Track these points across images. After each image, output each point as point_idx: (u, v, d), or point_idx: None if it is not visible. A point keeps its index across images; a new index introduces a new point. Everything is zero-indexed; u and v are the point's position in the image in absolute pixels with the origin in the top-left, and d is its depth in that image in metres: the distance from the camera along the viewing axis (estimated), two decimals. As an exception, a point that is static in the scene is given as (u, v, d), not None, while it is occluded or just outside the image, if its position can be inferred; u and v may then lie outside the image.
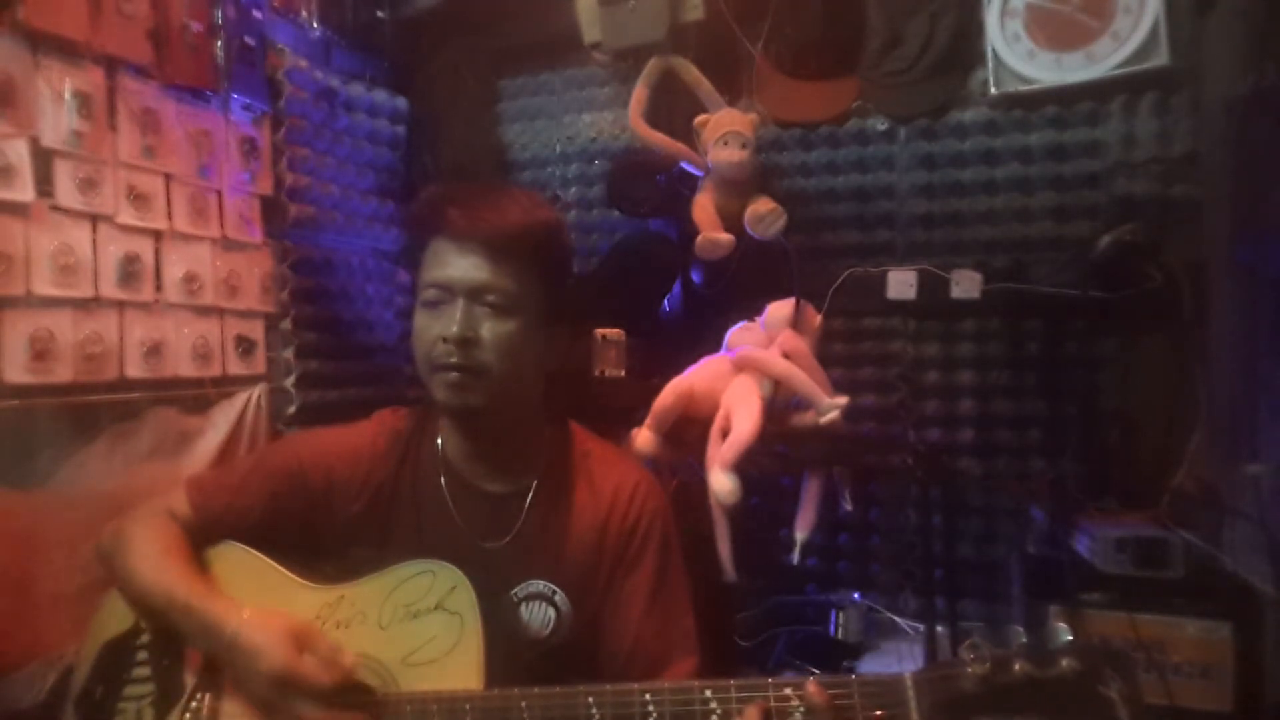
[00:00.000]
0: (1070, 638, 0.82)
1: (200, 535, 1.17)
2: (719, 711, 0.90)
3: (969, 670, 0.81)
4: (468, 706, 0.96)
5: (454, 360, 1.07)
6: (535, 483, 1.18)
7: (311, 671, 0.96)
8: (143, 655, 1.12)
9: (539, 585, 1.14)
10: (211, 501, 1.19)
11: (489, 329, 1.08)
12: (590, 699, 0.93)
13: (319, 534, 1.18)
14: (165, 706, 1.08)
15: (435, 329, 1.08)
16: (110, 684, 1.12)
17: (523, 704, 0.95)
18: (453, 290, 1.08)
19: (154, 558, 1.11)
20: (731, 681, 0.90)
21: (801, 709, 0.87)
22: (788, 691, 0.87)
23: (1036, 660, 0.80)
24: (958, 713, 0.82)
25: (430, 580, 1.05)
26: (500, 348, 1.08)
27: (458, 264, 1.08)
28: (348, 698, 0.97)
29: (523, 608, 1.13)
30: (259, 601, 1.10)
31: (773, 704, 0.88)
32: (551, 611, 1.13)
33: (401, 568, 1.08)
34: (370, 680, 1.02)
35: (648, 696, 0.92)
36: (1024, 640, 0.81)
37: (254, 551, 1.16)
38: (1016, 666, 0.80)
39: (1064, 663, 0.79)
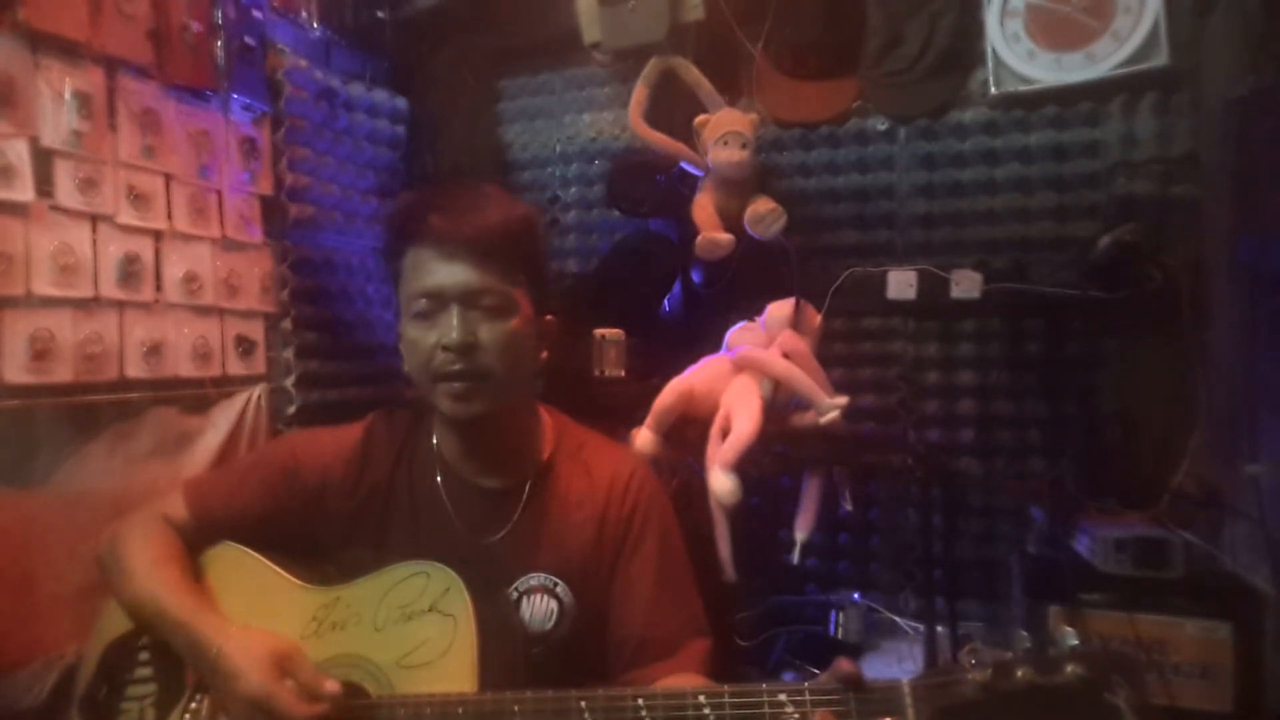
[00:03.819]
0: (1075, 642, 0.79)
1: (198, 537, 1.18)
2: (712, 718, 0.89)
3: (969, 676, 0.79)
4: (461, 710, 0.96)
5: (457, 368, 1.06)
6: (531, 477, 1.19)
7: (289, 701, 0.95)
8: (145, 655, 1.13)
9: (540, 578, 1.14)
10: (208, 503, 1.19)
11: (487, 331, 1.07)
12: (583, 703, 0.93)
13: (315, 534, 1.18)
14: (167, 706, 1.09)
15: (431, 339, 1.07)
16: (114, 684, 1.12)
17: (515, 707, 0.94)
18: (444, 297, 1.07)
19: (146, 568, 1.11)
20: (725, 687, 0.90)
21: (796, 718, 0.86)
22: (782, 698, 0.87)
23: (1040, 666, 0.78)
24: None
25: (424, 582, 1.05)
26: (501, 349, 1.08)
27: (445, 270, 1.07)
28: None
29: (524, 602, 1.13)
30: (256, 602, 1.11)
31: (767, 711, 0.87)
32: (554, 604, 1.13)
33: (396, 569, 1.07)
34: (365, 683, 1.02)
35: (640, 701, 0.91)
36: (1027, 645, 0.78)
37: (251, 552, 1.16)
38: (1019, 673, 0.78)
39: (1069, 669, 0.77)
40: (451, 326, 1.06)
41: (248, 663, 0.98)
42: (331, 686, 0.97)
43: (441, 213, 1.08)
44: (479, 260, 1.07)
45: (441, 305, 1.07)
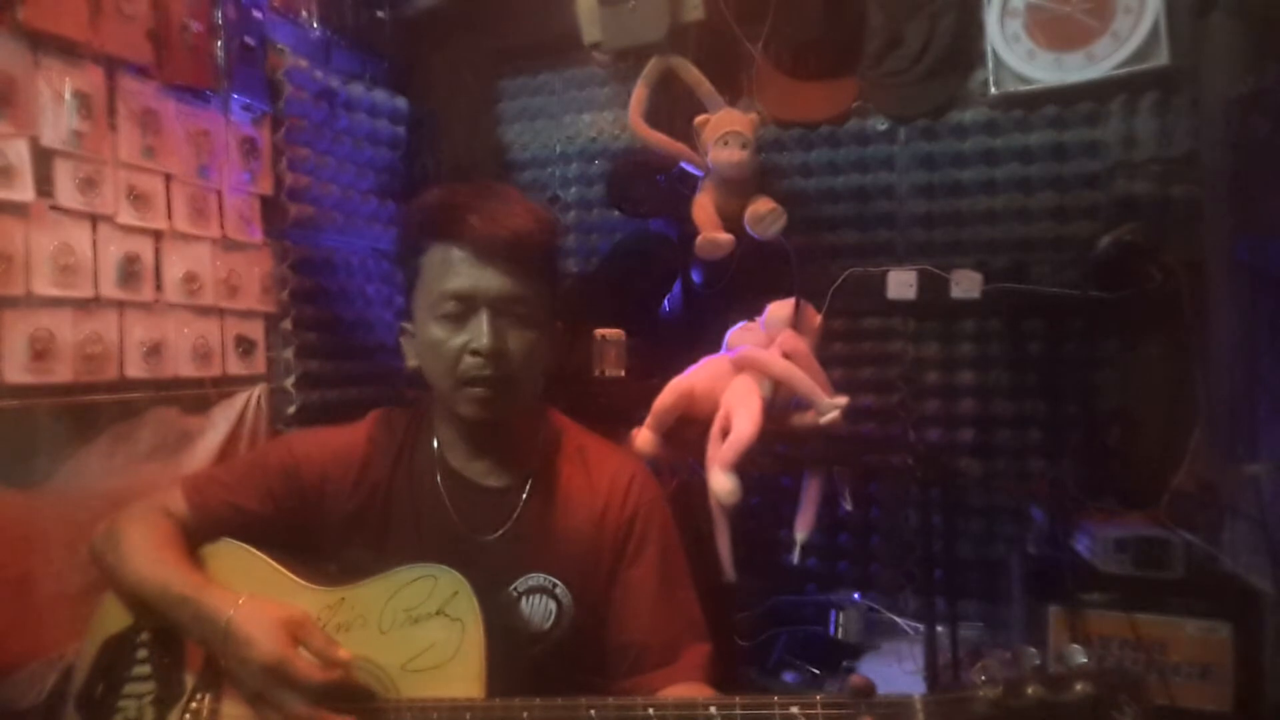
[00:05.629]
0: (1084, 660, 0.81)
1: (196, 534, 1.17)
2: None
3: (981, 693, 0.81)
4: (468, 715, 0.96)
5: (486, 373, 1.06)
6: (531, 477, 1.19)
7: (303, 667, 0.96)
8: (143, 653, 1.12)
9: (539, 579, 1.14)
10: (208, 499, 1.19)
11: (515, 339, 1.08)
12: (592, 711, 0.93)
13: (314, 533, 1.18)
14: (165, 705, 1.08)
15: (458, 342, 1.07)
16: (110, 682, 1.12)
17: (524, 713, 0.94)
18: (475, 301, 1.07)
19: (149, 550, 1.11)
20: (737, 698, 0.90)
21: None
22: (794, 709, 0.87)
23: (1050, 684, 0.79)
24: None
25: (431, 585, 1.05)
26: (526, 357, 1.09)
27: (479, 274, 1.07)
28: (339, 697, 0.97)
29: (523, 601, 1.13)
30: None
31: None
32: (552, 605, 1.13)
33: (402, 571, 1.07)
34: (371, 685, 1.02)
35: (650, 710, 0.91)
36: (1037, 662, 0.80)
37: (253, 550, 1.15)
38: (1029, 690, 0.79)
39: (1078, 687, 0.79)
40: (483, 332, 1.06)
41: (260, 630, 0.97)
42: (344, 654, 0.98)
43: (478, 214, 1.07)
44: (513, 266, 1.07)
45: (472, 309, 1.07)
